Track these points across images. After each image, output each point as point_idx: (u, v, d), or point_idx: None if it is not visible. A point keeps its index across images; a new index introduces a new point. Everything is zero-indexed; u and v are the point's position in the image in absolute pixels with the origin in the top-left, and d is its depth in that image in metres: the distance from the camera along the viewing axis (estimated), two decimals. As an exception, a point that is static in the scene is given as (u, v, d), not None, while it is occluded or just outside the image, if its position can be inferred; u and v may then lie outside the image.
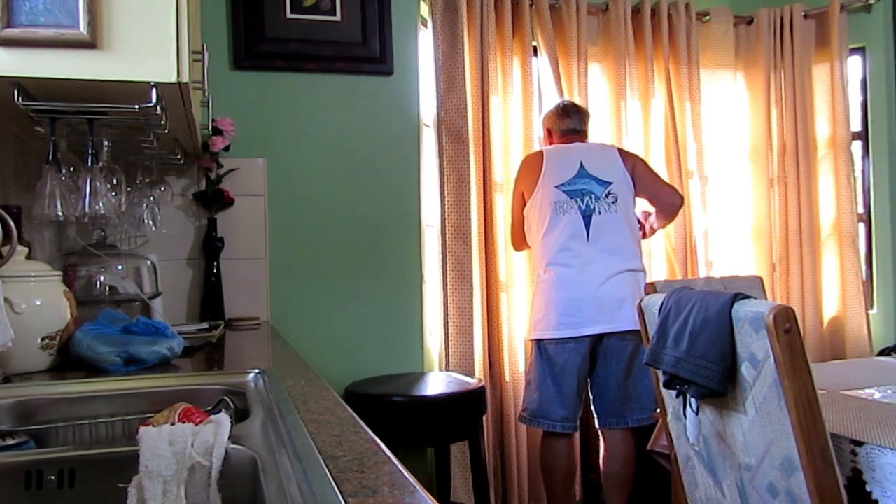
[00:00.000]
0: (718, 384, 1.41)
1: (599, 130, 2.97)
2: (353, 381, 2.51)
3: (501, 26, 2.85)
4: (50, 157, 1.47)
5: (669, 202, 2.55)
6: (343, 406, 1.02)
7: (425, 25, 2.82)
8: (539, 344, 2.44)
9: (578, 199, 2.42)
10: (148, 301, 2.23)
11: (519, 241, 2.64)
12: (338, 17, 2.65)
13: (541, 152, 2.56)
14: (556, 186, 2.44)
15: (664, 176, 2.99)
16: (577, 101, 2.83)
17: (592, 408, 2.49)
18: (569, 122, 2.60)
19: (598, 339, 2.37)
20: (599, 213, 2.42)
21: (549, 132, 2.65)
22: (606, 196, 2.43)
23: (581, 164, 2.46)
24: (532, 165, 2.52)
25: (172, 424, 0.91)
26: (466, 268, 2.73)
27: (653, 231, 2.69)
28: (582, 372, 2.40)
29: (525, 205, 2.53)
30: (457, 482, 2.63)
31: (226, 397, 1.18)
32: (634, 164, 2.53)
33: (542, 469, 2.50)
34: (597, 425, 2.50)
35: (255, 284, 2.53)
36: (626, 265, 2.40)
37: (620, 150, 2.57)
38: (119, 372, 1.38)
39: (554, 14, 2.93)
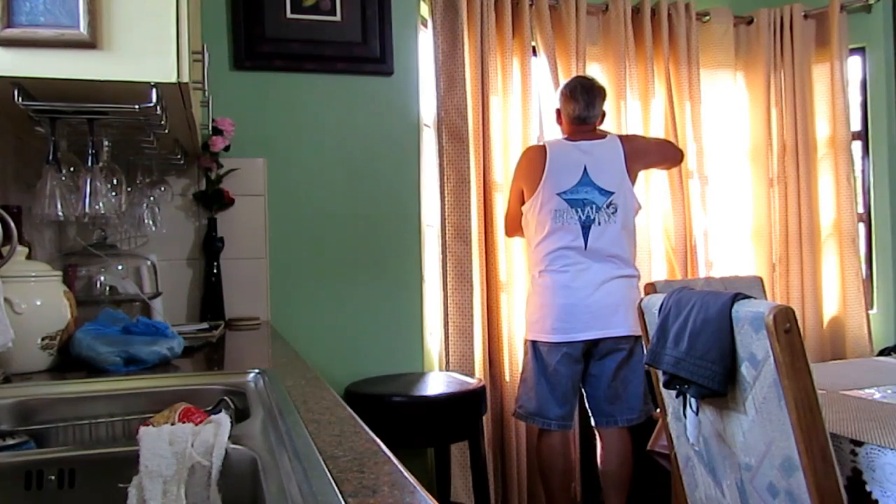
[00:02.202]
0: (718, 384, 1.41)
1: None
2: (353, 381, 2.51)
3: (501, 26, 2.84)
4: (50, 157, 1.47)
5: (670, 165, 2.77)
6: (343, 406, 1.02)
7: (425, 25, 2.82)
8: (534, 345, 2.44)
9: (579, 210, 2.39)
10: (148, 301, 2.23)
11: (513, 228, 2.61)
12: (338, 17, 2.65)
13: (544, 148, 2.50)
14: (558, 194, 2.41)
15: (664, 176, 3.00)
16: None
17: (587, 407, 2.50)
18: (576, 107, 2.47)
19: (593, 343, 2.38)
20: (599, 223, 2.39)
21: (558, 113, 2.56)
22: (607, 207, 2.40)
23: (585, 170, 2.41)
24: (534, 163, 2.47)
25: (172, 424, 0.91)
26: (466, 268, 2.73)
27: None
28: (575, 374, 2.41)
29: (524, 201, 2.50)
30: (457, 482, 2.62)
31: (226, 397, 1.18)
32: (634, 154, 2.46)
33: (538, 467, 2.50)
34: (593, 424, 2.50)
35: (255, 284, 2.53)
36: (620, 272, 2.39)
37: (623, 145, 2.46)
38: (119, 372, 1.38)
39: (554, 14, 2.93)
